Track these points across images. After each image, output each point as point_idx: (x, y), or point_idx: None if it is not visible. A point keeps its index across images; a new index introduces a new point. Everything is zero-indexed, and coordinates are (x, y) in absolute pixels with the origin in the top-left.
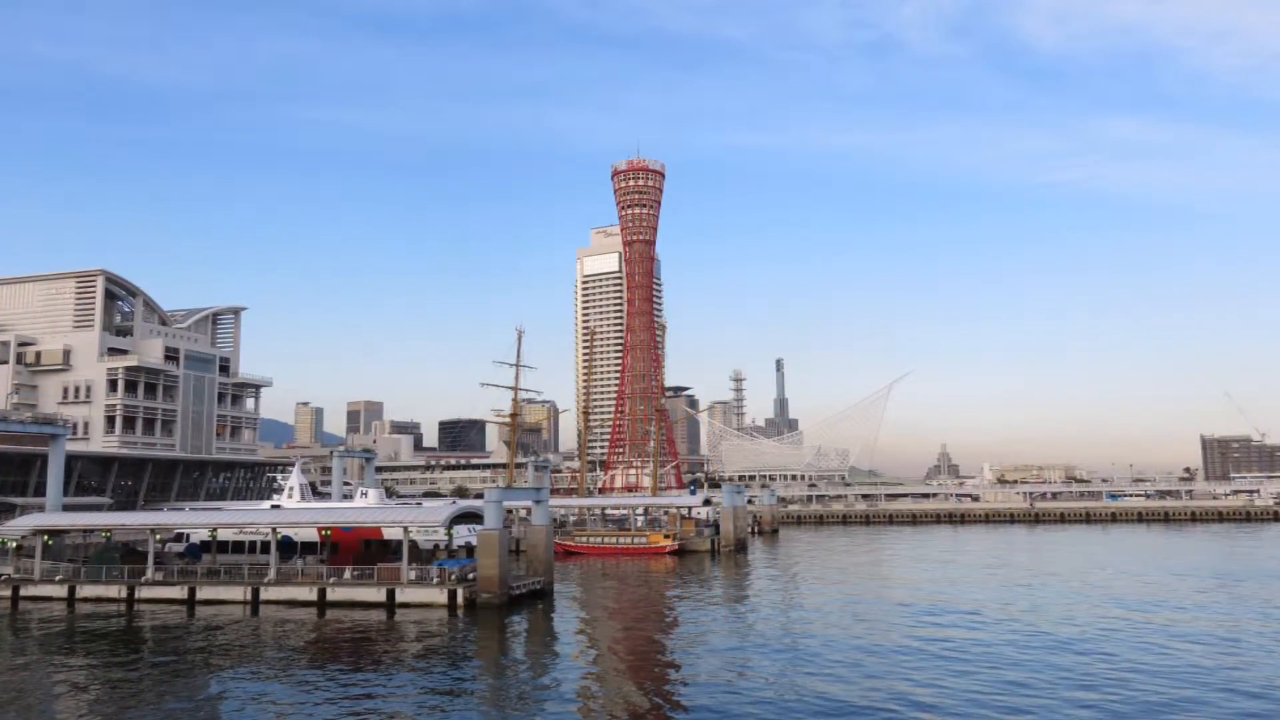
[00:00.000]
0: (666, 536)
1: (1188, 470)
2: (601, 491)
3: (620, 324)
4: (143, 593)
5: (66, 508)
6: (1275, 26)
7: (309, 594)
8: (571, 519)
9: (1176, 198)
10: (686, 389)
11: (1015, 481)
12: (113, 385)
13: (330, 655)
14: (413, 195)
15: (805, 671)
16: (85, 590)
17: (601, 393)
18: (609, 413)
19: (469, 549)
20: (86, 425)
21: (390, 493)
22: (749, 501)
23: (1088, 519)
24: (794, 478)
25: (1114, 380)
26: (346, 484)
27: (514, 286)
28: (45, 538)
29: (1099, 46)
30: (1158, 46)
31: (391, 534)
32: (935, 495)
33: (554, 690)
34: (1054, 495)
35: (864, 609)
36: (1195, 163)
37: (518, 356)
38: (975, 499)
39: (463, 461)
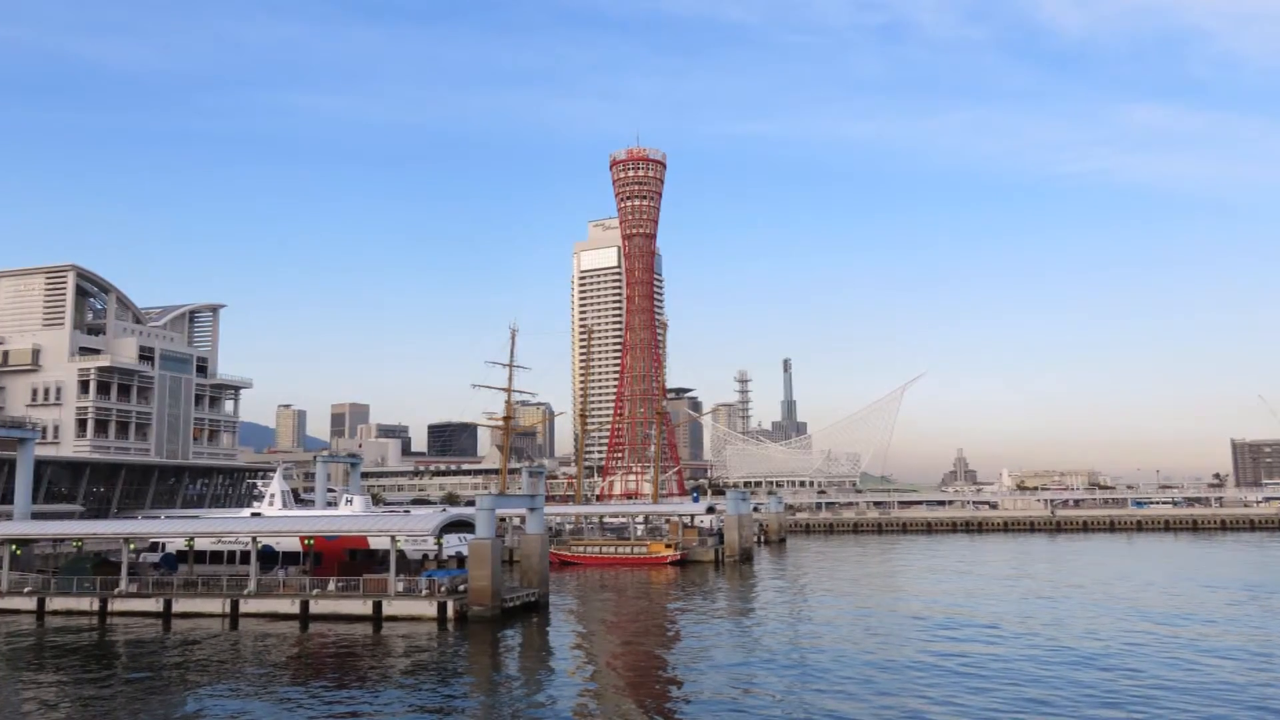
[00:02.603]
0: (668, 546)
1: (1218, 476)
2: (599, 499)
3: (619, 322)
4: (116, 605)
5: (35, 516)
6: None
7: (291, 606)
8: (568, 527)
9: (1204, 189)
10: (689, 390)
11: (1035, 488)
12: (84, 386)
13: (313, 671)
14: (401, 186)
15: (814, 688)
16: (55, 603)
17: (599, 394)
18: (607, 416)
19: (460, 559)
20: (56, 428)
21: (377, 500)
22: (755, 509)
23: (1112, 528)
24: (802, 484)
25: (1140, 381)
26: (331, 490)
27: (507, 282)
28: (13, 547)
29: (1123, 29)
30: (1185, 29)
31: (378, 543)
32: (951, 503)
33: (549, 708)
34: (1076, 502)
35: (876, 622)
36: (1224, 152)
37: (511, 356)
38: (993, 506)
39: (453, 467)
